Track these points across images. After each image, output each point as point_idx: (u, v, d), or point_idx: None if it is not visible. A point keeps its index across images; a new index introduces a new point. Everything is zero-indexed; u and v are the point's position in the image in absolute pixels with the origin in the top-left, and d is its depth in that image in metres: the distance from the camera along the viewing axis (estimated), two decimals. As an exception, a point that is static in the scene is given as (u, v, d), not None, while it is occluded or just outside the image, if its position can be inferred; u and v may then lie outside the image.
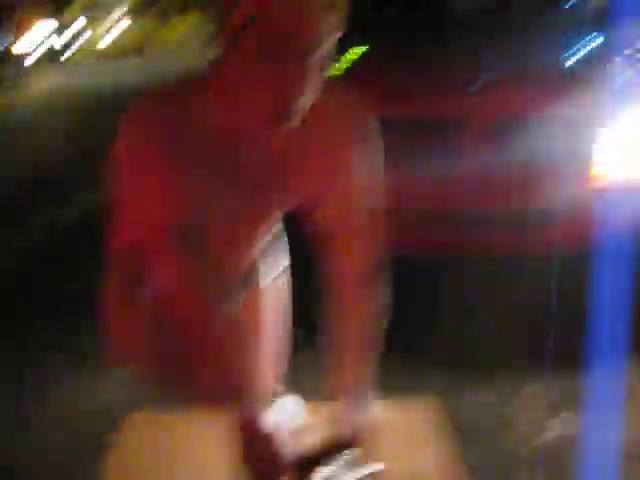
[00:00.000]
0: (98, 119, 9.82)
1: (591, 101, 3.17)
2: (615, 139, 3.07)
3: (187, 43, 22.00)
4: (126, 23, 27.20)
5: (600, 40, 3.73)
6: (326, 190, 1.36)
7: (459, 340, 3.04)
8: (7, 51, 17.11)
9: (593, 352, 2.68)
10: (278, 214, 1.45)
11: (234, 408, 1.30)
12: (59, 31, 18.03)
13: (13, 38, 16.89)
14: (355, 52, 3.64)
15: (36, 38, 17.46)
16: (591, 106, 3.14)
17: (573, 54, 3.65)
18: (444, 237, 3.13)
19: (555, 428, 2.49)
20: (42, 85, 14.34)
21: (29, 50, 17.45)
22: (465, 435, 2.31)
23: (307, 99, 1.14)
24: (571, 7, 4.20)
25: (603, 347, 2.66)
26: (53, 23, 17.55)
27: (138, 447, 1.66)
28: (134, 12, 29.35)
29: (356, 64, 3.51)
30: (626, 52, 3.60)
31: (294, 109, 1.13)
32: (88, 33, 19.88)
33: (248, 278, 1.55)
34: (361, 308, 1.41)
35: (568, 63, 3.58)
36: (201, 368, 1.35)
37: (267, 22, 1.05)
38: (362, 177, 1.35)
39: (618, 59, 3.71)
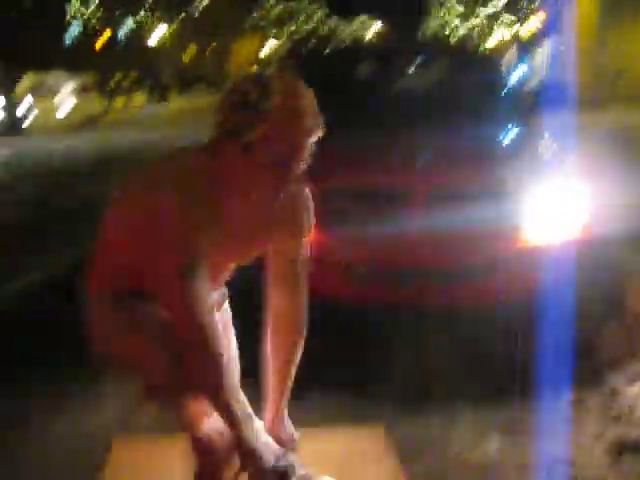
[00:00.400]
0: (62, 182, 10.29)
1: (516, 175, 3.70)
2: (536, 207, 3.59)
3: (133, 121, 23.12)
4: (73, 102, 28.26)
5: (524, 125, 4.32)
6: (288, 241, 1.97)
7: (409, 372, 3.45)
8: None
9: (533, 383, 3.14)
10: (251, 256, 1.99)
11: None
12: (8, 107, 19.51)
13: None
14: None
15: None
16: (516, 179, 3.66)
17: (501, 135, 4.23)
18: (389, 288, 3.58)
19: (492, 450, 2.88)
20: (5, 151, 14.77)
21: None
22: (412, 455, 2.72)
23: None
24: (502, 96, 4.83)
25: (543, 378, 3.12)
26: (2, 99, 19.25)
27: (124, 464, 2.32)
28: (81, 92, 30.49)
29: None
30: (545, 136, 4.19)
31: (286, 191, 1.79)
32: (35, 110, 21.32)
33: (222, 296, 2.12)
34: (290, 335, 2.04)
35: (496, 142, 4.15)
36: (192, 359, 1.78)
37: (277, 144, 1.68)
38: (307, 234, 2.01)
39: (540, 142, 4.30)
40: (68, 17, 28.36)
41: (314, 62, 5.75)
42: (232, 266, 2.03)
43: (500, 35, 35.70)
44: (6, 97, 19.44)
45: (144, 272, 1.77)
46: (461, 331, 3.66)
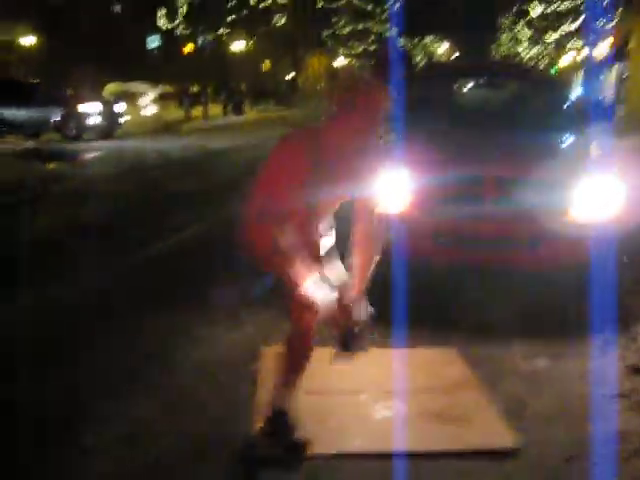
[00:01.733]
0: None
1: (569, 170, 4.78)
2: (583, 194, 4.66)
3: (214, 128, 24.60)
4: (153, 109, 30.02)
5: (578, 133, 5.43)
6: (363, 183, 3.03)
7: (478, 312, 4.59)
8: (73, 106, 19.94)
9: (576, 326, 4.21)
10: (344, 196, 3.07)
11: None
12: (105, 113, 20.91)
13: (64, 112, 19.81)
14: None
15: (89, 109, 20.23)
16: (569, 173, 4.74)
17: (559, 140, 5.33)
18: (473, 254, 4.72)
19: (539, 366, 3.96)
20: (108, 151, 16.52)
21: (90, 111, 20.09)
22: (476, 365, 3.84)
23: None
24: (562, 111, 5.94)
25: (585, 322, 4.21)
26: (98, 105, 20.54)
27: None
28: (160, 100, 32.25)
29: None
30: (593, 143, 5.28)
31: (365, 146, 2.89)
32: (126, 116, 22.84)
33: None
34: (366, 251, 3.08)
35: (555, 145, 5.25)
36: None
37: (364, 110, 2.76)
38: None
39: (590, 146, 5.39)
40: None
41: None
42: (334, 201, 3.07)
43: (570, 58, 36.26)
44: (103, 104, 20.80)
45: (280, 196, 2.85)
46: (521, 286, 4.76)
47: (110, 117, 21.40)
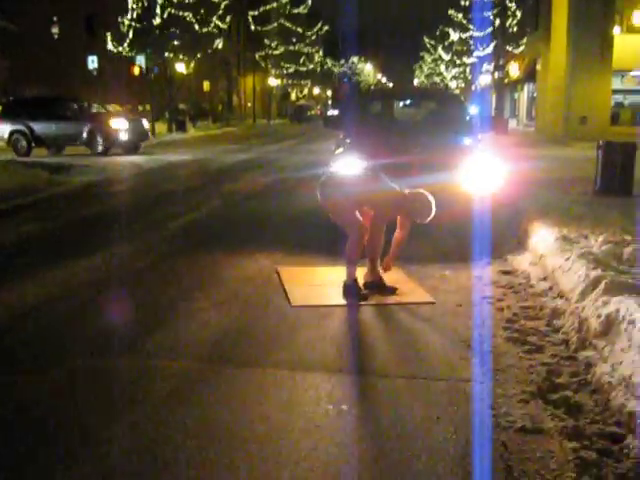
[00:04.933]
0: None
1: (465, 159, 7.46)
2: (472, 174, 7.33)
3: (161, 144, 26.76)
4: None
5: (473, 136, 8.15)
6: None
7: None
8: (102, 122, 20.87)
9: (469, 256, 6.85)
10: None
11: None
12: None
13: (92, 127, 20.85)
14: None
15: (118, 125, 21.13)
16: (465, 161, 7.42)
17: (460, 139, 8.03)
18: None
19: (444, 276, 6.56)
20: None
21: (122, 127, 21.07)
22: (409, 276, 6.44)
23: None
24: (464, 120, 8.66)
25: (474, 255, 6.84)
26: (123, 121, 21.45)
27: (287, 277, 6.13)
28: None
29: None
30: (482, 141, 8.01)
31: None
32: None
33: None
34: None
35: (458, 143, 7.95)
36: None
37: None
38: None
39: (479, 144, 8.10)
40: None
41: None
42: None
43: (488, 77, 39.71)
44: (129, 120, 21.82)
45: None
46: (433, 234, 7.37)
47: (136, 133, 22.08)
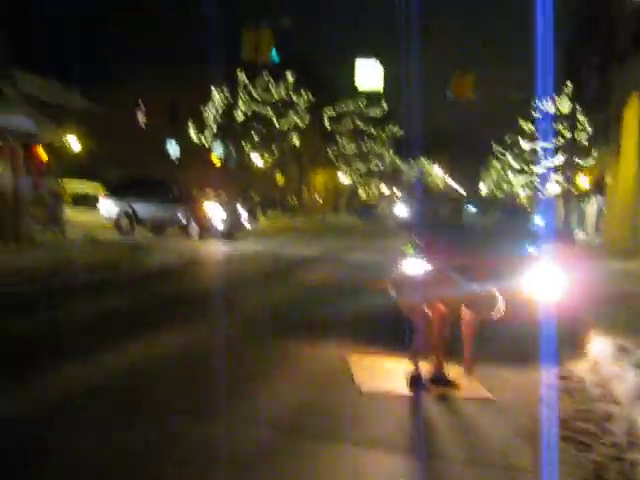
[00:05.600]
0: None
1: (531, 267, 7.91)
2: (539, 281, 7.75)
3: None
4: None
5: (537, 246, 8.62)
6: None
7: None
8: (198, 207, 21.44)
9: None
10: None
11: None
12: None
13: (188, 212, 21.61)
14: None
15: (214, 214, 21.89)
16: (530, 269, 7.86)
17: (525, 248, 8.50)
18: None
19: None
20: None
21: (217, 213, 21.82)
22: None
23: None
24: (528, 230, 9.14)
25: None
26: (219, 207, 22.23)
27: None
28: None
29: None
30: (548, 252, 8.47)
31: None
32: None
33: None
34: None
35: (523, 251, 8.41)
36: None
37: None
38: None
39: (546, 254, 8.55)
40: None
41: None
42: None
43: (556, 187, 40.08)
44: (224, 205, 22.58)
45: None
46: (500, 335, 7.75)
47: (233, 219, 22.67)
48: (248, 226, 24.12)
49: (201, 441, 4.65)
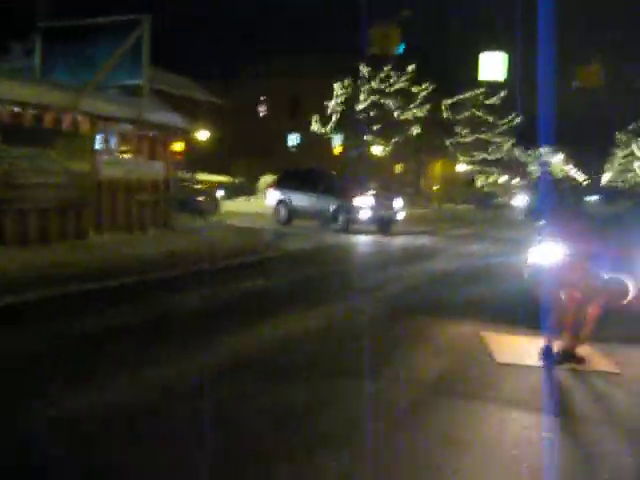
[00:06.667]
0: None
1: None
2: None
3: None
4: None
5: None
6: None
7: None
8: (348, 199, 21.50)
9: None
10: None
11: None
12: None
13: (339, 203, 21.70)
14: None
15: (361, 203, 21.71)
16: None
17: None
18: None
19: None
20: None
21: (362, 205, 21.65)
22: None
23: None
24: None
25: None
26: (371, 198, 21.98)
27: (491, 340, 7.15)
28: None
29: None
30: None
31: None
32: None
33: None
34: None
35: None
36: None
37: None
38: None
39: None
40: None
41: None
42: None
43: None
44: (376, 198, 22.07)
45: None
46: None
47: (383, 212, 22.21)
48: (400, 217, 23.69)
49: (362, 398, 5.47)
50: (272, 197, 24.33)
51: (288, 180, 24.12)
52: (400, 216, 23.41)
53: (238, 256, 13.88)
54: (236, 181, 37.22)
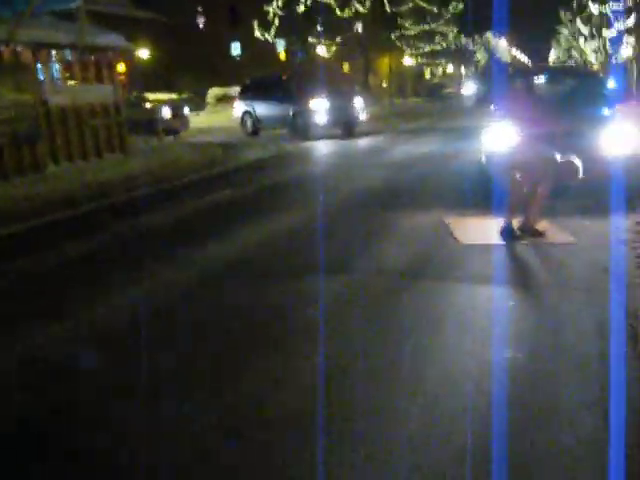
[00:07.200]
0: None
1: (600, 127, 8.64)
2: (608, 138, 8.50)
3: None
4: None
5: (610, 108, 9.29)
6: None
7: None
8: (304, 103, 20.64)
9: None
10: None
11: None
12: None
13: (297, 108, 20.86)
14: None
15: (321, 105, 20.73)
16: (601, 129, 8.59)
17: (598, 111, 9.18)
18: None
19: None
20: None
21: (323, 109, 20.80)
22: None
23: None
24: (602, 94, 9.79)
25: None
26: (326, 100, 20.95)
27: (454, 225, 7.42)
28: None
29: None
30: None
31: None
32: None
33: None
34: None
35: (596, 114, 9.11)
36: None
37: None
38: None
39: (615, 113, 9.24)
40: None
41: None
42: None
43: (624, 52, 39.23)
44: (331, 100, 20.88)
45: None
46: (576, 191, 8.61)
47: (343, 114, 21.48)
48: (362, 117, 23.06)
49: (336, 290, 5.79)
50: (238, 108, 24.04)
51: (252, 90, 23.70)
52: (362, 117, 22.90)
53: (197, 172, 13.97)
54: (184, 97, 36.60)
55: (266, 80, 24.39)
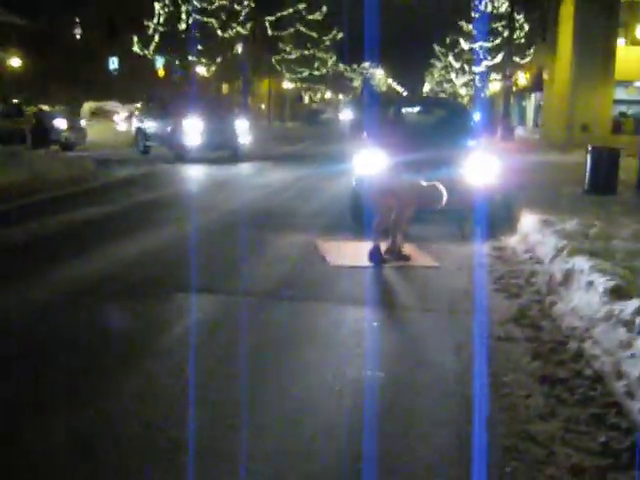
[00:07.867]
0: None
1: (467, 157, 9.04)
2: (473, 169, 8.90)
3: None
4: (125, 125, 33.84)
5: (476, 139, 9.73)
6: None
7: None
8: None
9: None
10: None
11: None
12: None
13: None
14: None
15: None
16: (467, 158, 8.99)
17: (464, 140, 9.62)
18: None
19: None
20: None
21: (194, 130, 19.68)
22: None
23: None
24: (467, 126, 10.25)
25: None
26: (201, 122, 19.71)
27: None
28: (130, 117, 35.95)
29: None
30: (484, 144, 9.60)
31: None
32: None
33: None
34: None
35: (462, 143, 9.53)
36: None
37: None
38: None
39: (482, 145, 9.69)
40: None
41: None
42: None
43: (497, 86, 41.29)
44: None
45: None
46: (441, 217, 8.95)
47: (223, 136, 20.33)
48: (245, 141, 21.71)
49: (205, 307, 5.75)
50: (133, 124, 23.68)
51: (146, 106, 23.34)
52: (245, 140, 21.48)
53: (65, 187, 13.53)
54: (56, 108, 35.35)
55: (157, 96, 23.95)
